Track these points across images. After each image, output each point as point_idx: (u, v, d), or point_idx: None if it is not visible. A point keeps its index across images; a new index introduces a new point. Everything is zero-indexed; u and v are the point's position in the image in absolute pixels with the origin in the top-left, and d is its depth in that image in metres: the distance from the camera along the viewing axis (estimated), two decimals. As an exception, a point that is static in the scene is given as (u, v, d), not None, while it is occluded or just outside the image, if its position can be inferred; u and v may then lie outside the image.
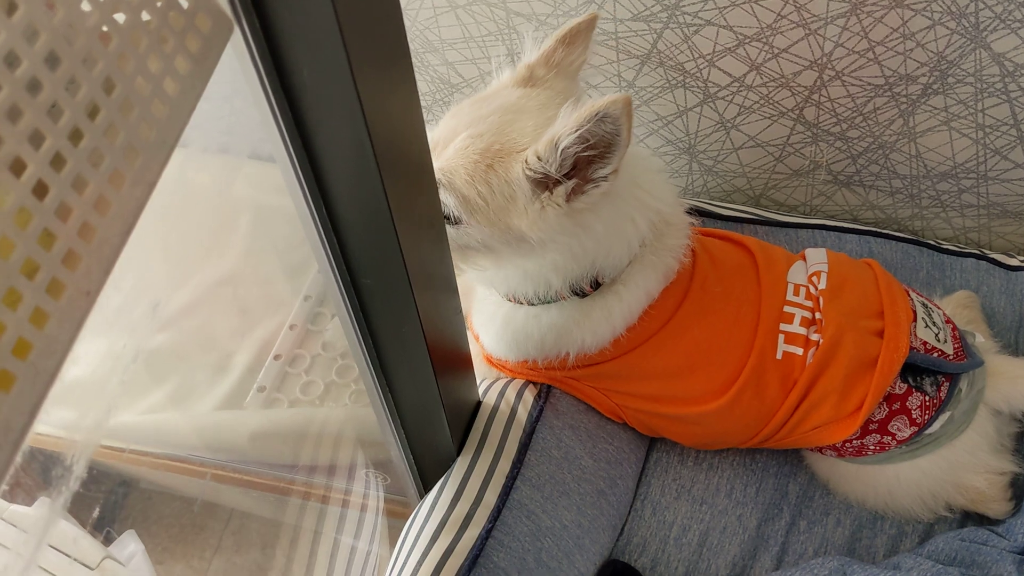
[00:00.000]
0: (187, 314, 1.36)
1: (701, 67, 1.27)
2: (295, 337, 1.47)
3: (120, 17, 0.47)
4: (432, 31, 1.36)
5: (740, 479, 1.23)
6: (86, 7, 0.45)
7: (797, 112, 1.30)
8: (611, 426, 1.21)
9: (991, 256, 1.36)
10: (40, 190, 0.43)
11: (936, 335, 1.12)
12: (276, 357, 1.43)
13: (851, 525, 1.20)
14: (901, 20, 1.14)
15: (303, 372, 1.43)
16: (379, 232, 0.71)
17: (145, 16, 0.50)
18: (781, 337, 1.10)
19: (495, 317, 1.13)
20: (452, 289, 0.92)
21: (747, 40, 1.22)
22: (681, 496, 1.21)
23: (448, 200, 0.94)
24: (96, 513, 1.16)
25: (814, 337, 1.09)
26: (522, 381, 1.21)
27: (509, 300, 1.10)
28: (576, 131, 0.83)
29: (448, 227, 0.96)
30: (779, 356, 1.09)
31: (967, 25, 1.12)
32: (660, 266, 1.07)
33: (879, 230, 1.38)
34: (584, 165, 0.88)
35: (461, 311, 0.96)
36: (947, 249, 1.37)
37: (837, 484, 1.22)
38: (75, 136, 0.45)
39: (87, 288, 0.48)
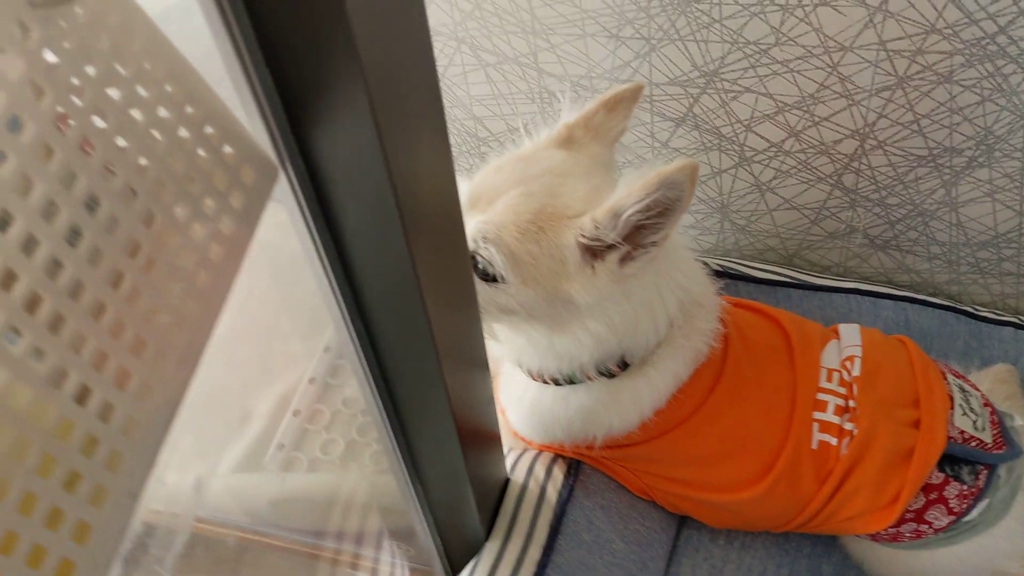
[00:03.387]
0: (202, 367, 1.33)
1: (738, 132, 1.24)
2: (315, 392, 1.44)
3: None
4: (460, 87, 1.32)
5: (773, 560, 1.20)
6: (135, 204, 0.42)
7: (835, 178, 1.26)
8: (642, 504, 1.18)
9: (1030, 325, 1.33)
10: (82, 395, 0.41)
11: (974, 423, 1.09)
12: (295, 413, 1.41)
13: (886, 610, 1.17)
14: (949, 95, 1.10)
15: (323, 429, 1.40)
16: (406, 301, 0.67)
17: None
18: (815, 426, 1.06)
19: (523, 399, 1.10)
20: (482, 362, 0.88)
21: (787, 108, 1.18)
22: (712, 577, 1.19)
23: (496, 256, 0.89)
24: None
25: (848, 427, 1.06)
26: (550, 455, 1.18)
27: (535, 379, 1.06)
28: (643, 200, 0.81)
29: (484, 286, 0.92)
30: (815, 446, 1.06)
31: (1017, 103, 1.08)
32: (689, 350, 1.03)
33: (915, 295, 1.35)
34: (635, 231, 0.85)
35: (491, 385, 0.93)
36: (985, 317, 1.34)
37: (872, 567, 1.19)
38: (116, 330, 0.42)
39: (131, 489, 0.45)
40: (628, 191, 0.82)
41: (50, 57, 0.38)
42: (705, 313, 1.04)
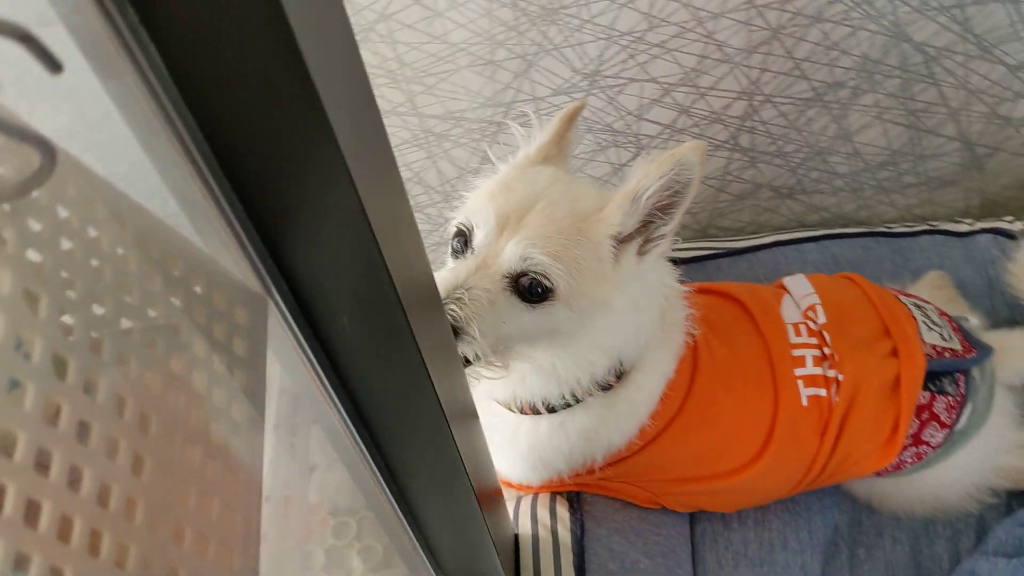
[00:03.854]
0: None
1: (630, 123, 1.23)
2: (272, 509, 1.34)
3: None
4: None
5: (790, 527, 1.18)
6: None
7: (732, 142, 1.27)
8: (653, 515, 1.14)
9: (942, 228, 1.37)
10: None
11: (941, 334, 1.11)
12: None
13: (907, 540, 1.18)
14: (823, 34, 1.12)
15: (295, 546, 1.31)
16: (416, 389, 0.62)
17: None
18: (800, 383, 1.06)
19: (516, 439, 1.04)
20: (475, 413, 0.83)
21: (672, 87, 1.18)
22: (740, 564, 1.16)
23: (551, 267, 0.84)
24: None
25: (831, 374, 1.06)
26: (547, 494, 1.13)
27: (526, 413, 1.01)
28: (659, 180, 0.82)
29: (525, 312, 0.86)
30: (805, 403, 1.05)
31: (887, 24, 1.11)
32: (671, 344, 1.01)
33: (831, 232, 1.37)
34: (644, 226, 0.87)
35: (483, 435, 0.87)
36: (900, 232, 1.37)
37: (881, 502, 1.19)
38: (177, 536, 0.36)
39: None
40: (643, 173, 0.83)
41: (33, 256, 0.32)
42: (675, 305, 1.02)
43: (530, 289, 0.84)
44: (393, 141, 1.23)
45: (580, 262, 0.85)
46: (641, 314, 0.93)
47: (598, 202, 0.87)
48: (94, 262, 0.36)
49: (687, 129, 1.24)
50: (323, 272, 0.52)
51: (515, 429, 1.03)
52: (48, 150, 0.31)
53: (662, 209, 0.85)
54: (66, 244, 0.34)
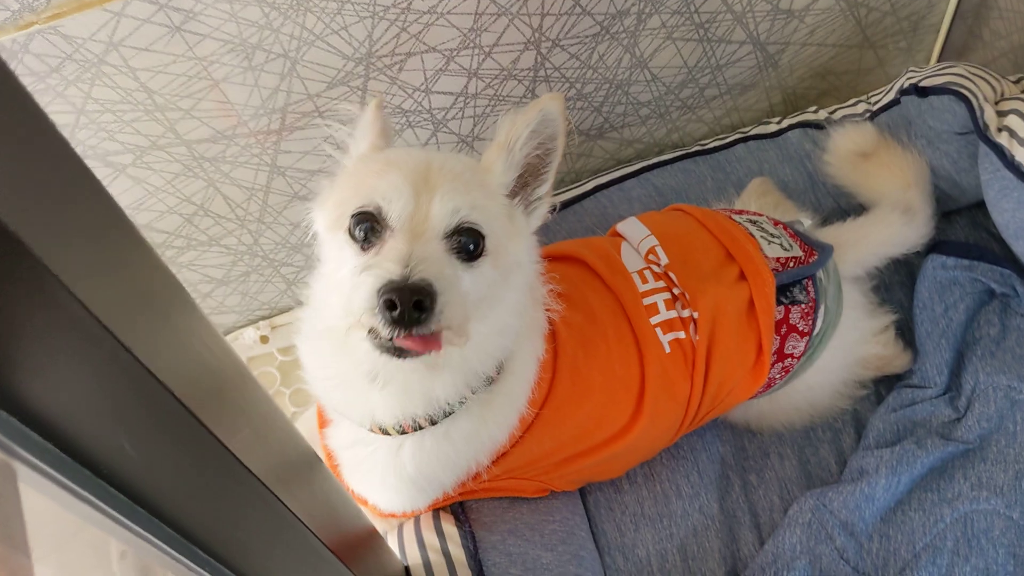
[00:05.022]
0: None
1: (419, 100, 1.13)
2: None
3: None
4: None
5: (679, 473, 1.15)
6: None
7: (530, 95, 1.20)
8: (543, 503, 1.08)
9: (752, 133, 1.35)
10: None
11: (781, 245, 1.09)
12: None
13: (793, 453, 1.17)
14: (595, -35, 1.05)
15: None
16: (218, 469, 0.53)
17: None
18: (658, 331, 1.01)
19: (399, 462, 0.93)
20: (312, 459, 0.73)
21: (455, 53, 1.09)
22: (640, 525, 1.12)
23: (482, 218, 0.78)
24: None
25: (686, 313, 1.02)
26: (429, 515, 1.05)
27: (407, 432, 0.91)
28: (527, 127, 0.81)
29: (461, 272, 0.77)
30: (667, 349, 1.01)
31: (655, -59, 1.06)
32: (536, 323, 0.94)
33: (648, 162, 1.33)
34: (522, 187, 0.86)
35: (331, 477, 0.78)
36: (714, 147, 1.34)
37: (759, 423, 1.18)
38: None
39: None
40: (510, 125, 0.82)
41: None
42: (538, 279, 0.95)
43: (466, 247, 0.77)
44: (164, 176, 1.09)
45: (493, 213, 0.81)
46: (525, 294, 0.89)
47: (476, 159, 0.86)
48: None
49: (481, 92, 1.16)
50: (77, 404, 0.41)
51: (397, 452, 0.93)
52: None
53: (535, 171, 0.85)
54: None
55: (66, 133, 0.99)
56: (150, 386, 0.42)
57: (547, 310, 0.94)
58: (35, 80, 0.93)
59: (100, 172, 1.05)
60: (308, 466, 0.70)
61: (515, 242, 0.83)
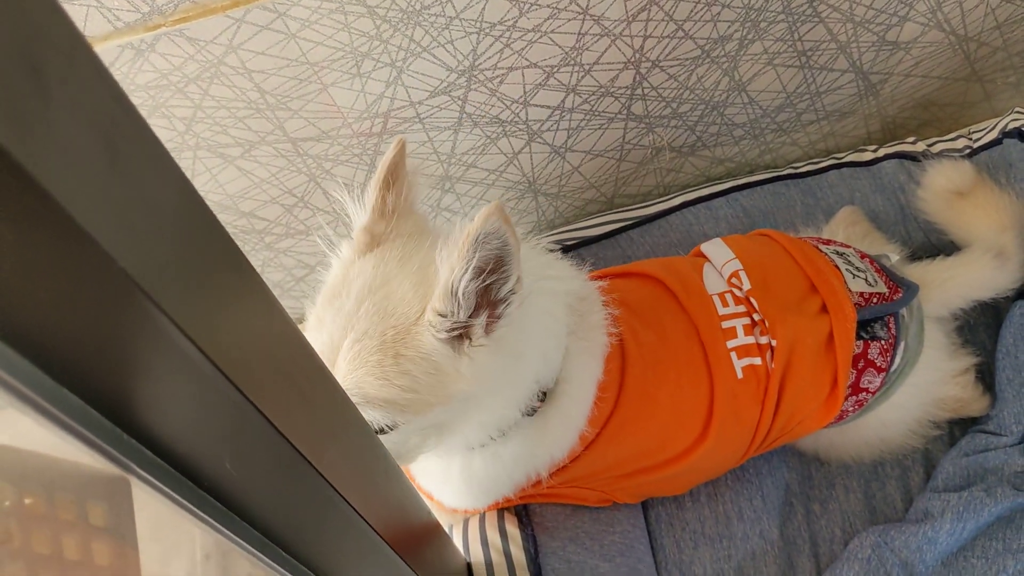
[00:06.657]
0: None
1: (517, 111, 1.16)
2: None
3: None
4: (215, 192, 1.17)
5: (743, 496, 1.17)
6: None
7: (625, 112, 1.22)
8: (605, 513, 1.11)
9: (847, 160, 1.34)
10: None
11: (866, 279, 1.09)
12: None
13: (859, 486, 1.17)
14: (700, -8, 1.06)
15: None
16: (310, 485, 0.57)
17: None
18: (733, 355, 1.03)
19: (450, 474, 0.99)
20: (393, 470, 0.78)
21: (555, 70, 1.11)
22: (699, 543, 1.14)
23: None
24: None
25: (764, 340, 1.03)
26: (494, 513, 1.09)
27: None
28: (467, 267, 0.74)
29: (386, 439, 0.82)
30: (740, 375, 1.02)
31: (764, -29, 1.06)
32: (595, 348, 0.97)
33: (739, 182, 1.33)
34: (484, 292, 0.78)
35: (401, 473, 0.82)
36: (807, 172, 1.34)
37: (828, 453, 1.18)
38: None
39: None
40: (450, 265, 0.75)
41: None
42: (591, 304, 0.98)
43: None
44: (270, 169, 1.15)
45: (413, 386, 0.79)
46: (542, 343, 0.89)
47: (419, 302, 0.80)
48: None
49: (577, 107, 1.18)
50: (188, 430, 0.46)
51: (447, 466, 0.98)
52: None
53: (494, 275, 0.77)
54: None
55: (183, 126, 1.05)
56: (254, 418, 0.47)
57: (609, 335, 0.96)
58: (158, 77, 0.99)
59: (211, 163, 1.11)
60: (385, 475, 0.74)
61: (457, 385, 0.80)
